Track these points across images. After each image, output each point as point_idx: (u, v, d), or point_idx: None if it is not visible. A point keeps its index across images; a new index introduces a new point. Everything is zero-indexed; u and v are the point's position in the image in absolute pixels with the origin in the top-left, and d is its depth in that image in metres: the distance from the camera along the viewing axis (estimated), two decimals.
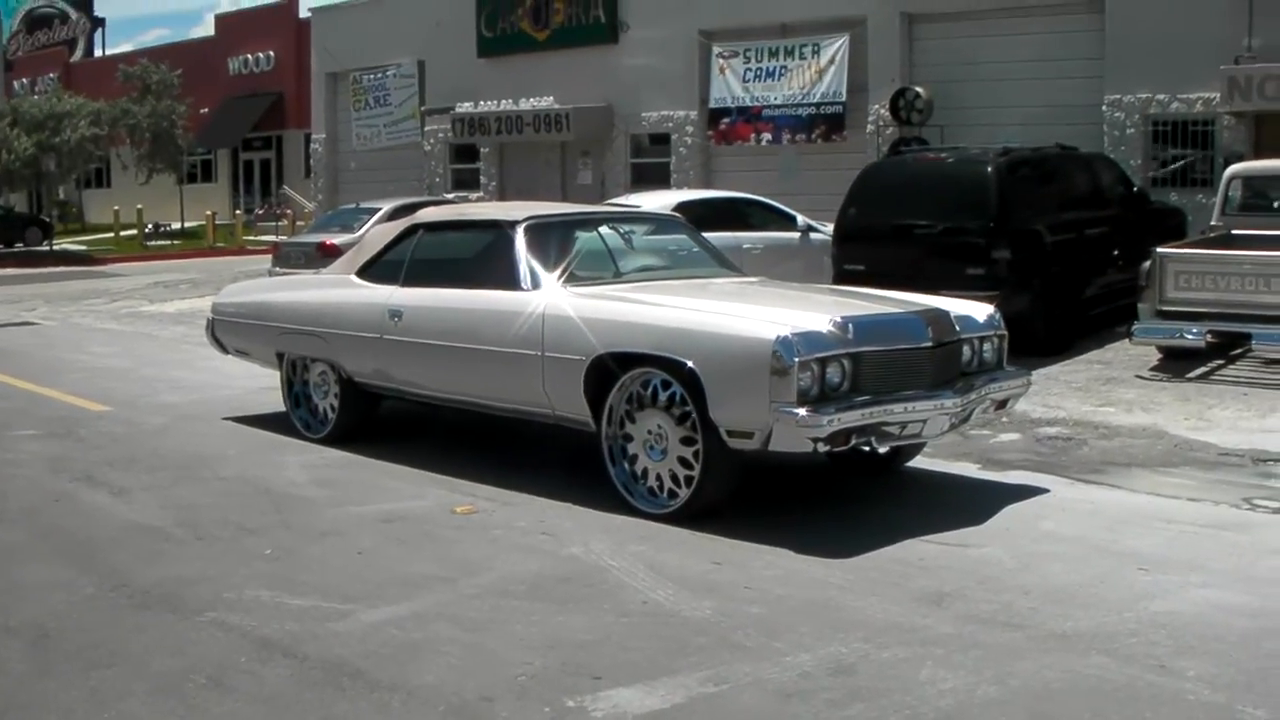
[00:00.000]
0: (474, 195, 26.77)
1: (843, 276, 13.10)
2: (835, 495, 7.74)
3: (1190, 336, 11.49)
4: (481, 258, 8.28)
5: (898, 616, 5.47)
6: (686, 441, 6.88)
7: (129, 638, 5.17)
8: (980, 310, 7.63)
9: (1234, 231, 13.17)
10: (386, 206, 19.69)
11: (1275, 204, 13.79)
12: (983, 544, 6.55)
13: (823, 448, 6.56)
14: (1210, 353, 11.93)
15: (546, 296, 7.58)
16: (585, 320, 7.28)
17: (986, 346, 7.53)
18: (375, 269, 8.87)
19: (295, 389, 9.45)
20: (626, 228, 8.71)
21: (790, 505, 7.41)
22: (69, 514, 7.21)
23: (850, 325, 6.73)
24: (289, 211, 35.51)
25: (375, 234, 9.26)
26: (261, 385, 11.20)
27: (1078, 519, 7.06)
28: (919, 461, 8.24)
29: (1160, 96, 19.16)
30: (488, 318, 7.81)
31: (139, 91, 38.23)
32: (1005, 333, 7.74)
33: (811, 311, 6.95)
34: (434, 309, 8.21)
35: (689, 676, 4.79)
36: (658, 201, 15.08)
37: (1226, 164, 18.50)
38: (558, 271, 7.84)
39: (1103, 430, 9.44)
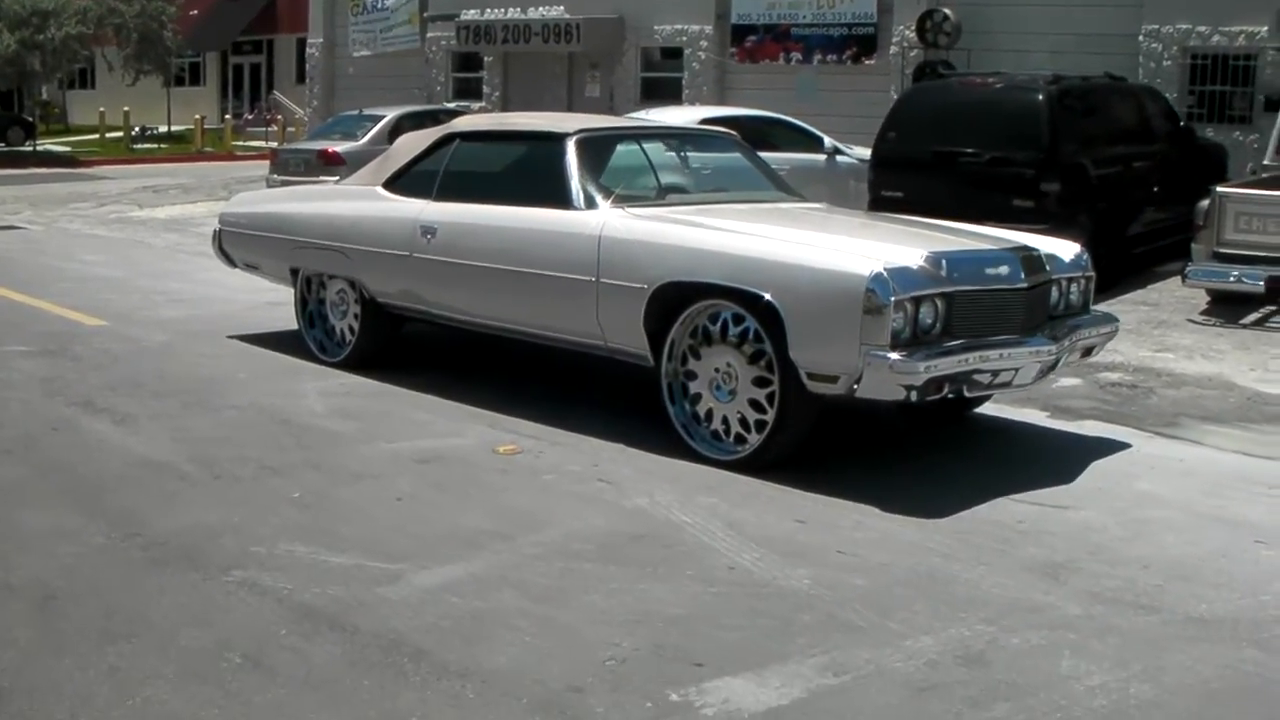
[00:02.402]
0: (476, 106, 25.84)
1: (879, 203, 12.49)
2: (904, 443, 7.11)
3: (1249, 281, 10.90)
4: (526, 172, 7.53)
5: (1015, 592, 4.85)
6: (760, 382, 6.20)
7: (149, 602, 4.48)
8: (1067, 249, 6.95)
9: None
10: (391, 114, 18.90)
11: None
12: (1080, 505, 5.94)
13: (914, 396, 5.89)
14: (1263, 298, 11.37)
15: (603, 217, 6.85)
16: (648, 245, 6.57)
17: (1074, 288, 6.88)
18: (405, 181, 8.10)
19: (310, 308, 8.72)
20: (682, 145, 7.97)
21: (858, 454, 6.77)
22: (70, 446, 6.49)
23: (943, 261, 6.05)
24: (279, 118, 34.48)
25: (404, 143, 8.48)
26: (266, 300, 10.51)
27: (1172, 480, 6.46)
28: (983, 408, 7.61)
29: (1201, 28, 18.34)
30: (534, 238, 7.09)
31: None
32: (1093, 274, 7.09)
33: (900, 245, 6.25)
34: (472, 226, 7.48)
35: (802, 664, 4.14)
36: (680, 118, 14.34)
37: (1267, 102, 17.83)
38: (614, 190, 7.11)
39: (1167, 378, 8.85)
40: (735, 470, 6.23)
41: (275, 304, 10.31)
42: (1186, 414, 7.84)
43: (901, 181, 12.44)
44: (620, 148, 7.55)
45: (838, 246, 6.17)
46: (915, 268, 5.91)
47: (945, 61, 19.88)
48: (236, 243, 9.30)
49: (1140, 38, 18.68)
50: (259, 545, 5.02)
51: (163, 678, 3.90)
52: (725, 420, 6.37)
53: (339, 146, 17.95)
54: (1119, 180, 12.71)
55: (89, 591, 4.56)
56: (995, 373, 6.22)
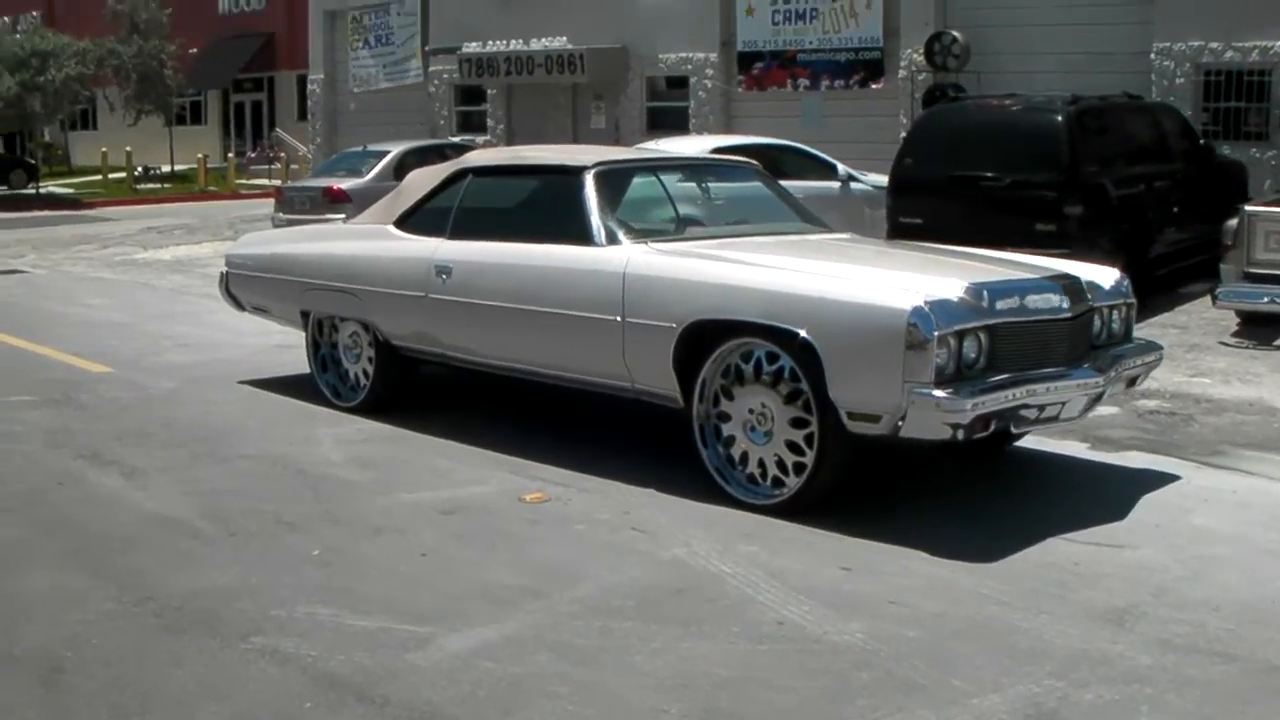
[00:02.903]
0: (480, 139, 25.63)
1: (898, 230, 12.27)
2: (942, 481, 6.83)
3: None
4: (544, 208, 7.29)
5: (1080, 641, 4.57)
6: (797, 423, 5.93)
7: (163, 673, 4.19)
8: (1106, 275, 6.68)
9: None
10: (396, 150, 18.69)
11: None
12: (1136, 544, 5.66)
13: (961, 435, 5.62)
14: None
15: (626, 253, 6.59)
16: (675, 282, 6.30)
17: (1115, 316, 6.61)
18: (417, 219, 7.85)
19: (322, 352, 8.47)
20: (703, 176, 7.72)
21: (895, 493, 6.49)
22: (76, 501, 6.21)
23: (984, 292, 5.78)
24: (282, 155, 34.34)
25: (415, 179, 8.23)
26: (275, 343, 10.27)
27: (1228, 513, 6.19)
28: (1021, 441, 7.33)
29: (1214, 44, 18.09)
30: (555, 276, 6.83)
31: (126, 30, 36.88)
32: (1134, 301, 6.83)
33: (939, 276, 5.98)
34: (489, 265, 7.22)
35: None
36: (691, 148, 14.11)
37: None
38: (636, 225, 6.87)
39: (1206, 404, 8.59)
40: (772, 515, 5.96)
41: (285, 347, 10.06)
42: (1230, 442, 7.58)
43: (920, 207, 12.22)
44: (640, 180, 7.30)
45: (875, 279, 5.91)
46: (956, 300, 5.65)
47: (955, 85, 19.68)
48: (244, 285, 9.04)
49: (1152, 55, 18.44)
50: (279, 608, 4.74)
51: None
52: (762, 463, 6.09)
53: (344, 184, 17.73)
54: (1140, 201, 12.47)
55: (99, 662, 4.27)
56: (1042, 407, 5.95)
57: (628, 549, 5.51)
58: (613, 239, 6.73)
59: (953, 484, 6.75)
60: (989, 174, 11.97)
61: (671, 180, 7.47)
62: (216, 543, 5.56)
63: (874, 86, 21.59)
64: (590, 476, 6.62)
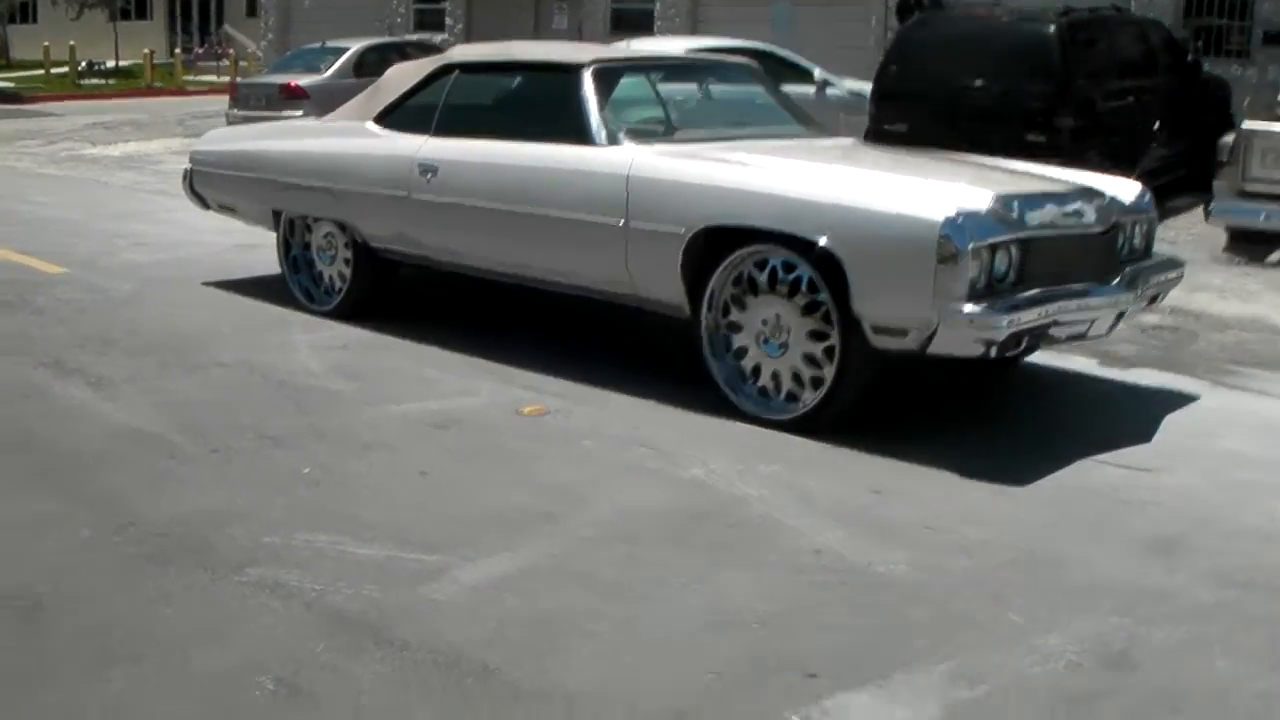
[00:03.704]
0: (438, 38, 24.87)
1: (881, 137, 11.88)
2: (956, 397, 6.51)
3: (1277, 220, 10.42)
4: (538, 106, 6.83)
5: (1135, 575, 4.29)
6: (815, 336, 5.58)
7: (153, 612, 3.78)
8: (1128, 188, 6.33)
9: None
10: (356, 46, 18.07)
11: None
12: (1170, 468, 5.39)
13: (994, 352, 5.29)
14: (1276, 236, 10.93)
15: (630, 154, 6.16)
16: (685, 185, 5.89)
17: (1137, 231, 6.29)
18: (398, 115, 7.37)
19: (294, 253, 8.00)
20: (703, 77, 7.28)
21: (911, 410, 6.17)
22: (42, 415, 5.73)
23: (1015, 204, 5.42)
24: (231, 52, 33.33)
25: (395, 75, 7.72)
26: (237, 241, 9.82)
27: (1254, 436, 5.95)
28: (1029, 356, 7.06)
29: None
30: (552, 177, 6.39)
31: None
32: (1155, 215, 6.51)
33: (966, 184, 5.60)
34: (479, 165, 6.77)
35: (929, 673, 3.54)
36: (665, 49, 13.63)
37: (1266, 36, 17.25)
38: (638, 125, 6.44)
39: (1208, 321, 8.36)
40: (787, 430, 5.63)
41: (248, 246, 9.60)
42: (1238, 361, 7.38)
43: (905, 115, 11.88)
44: (640, 79, 6.84)
45: (901, 187, 5.51)
46: (985, 211, 5.28)
47: None
48: (210, 183, 8.53)
49: None
50: (272, 535, 4.34)
51: (182, 715, 3.23)
52: (775, 376, 5.74)
53: (302, 80, 17.09)
54: (1130, 114, 12.18)
55: (80, 599, 3.85)
56: (1072, 324, 5.63)
57: (640, 467, 5.16)
58: (614, 139, 6.29)
59: (969, 400, 6.45)
60: (978, 83, 11.61)
61: (672, 80, 7.05)
62: (197, 460, 5.13)
63: None
64: (587, 387, 6.26)
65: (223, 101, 20.20)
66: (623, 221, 6.04)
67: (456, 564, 4.13)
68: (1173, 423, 6.08)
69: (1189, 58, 14.27)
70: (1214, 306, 8.86)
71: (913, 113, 11.77)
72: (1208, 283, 9.64)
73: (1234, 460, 5.55)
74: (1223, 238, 11.16)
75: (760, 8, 21.83)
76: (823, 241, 5.37)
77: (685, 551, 4.31)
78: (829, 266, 5.41)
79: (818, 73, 15.15)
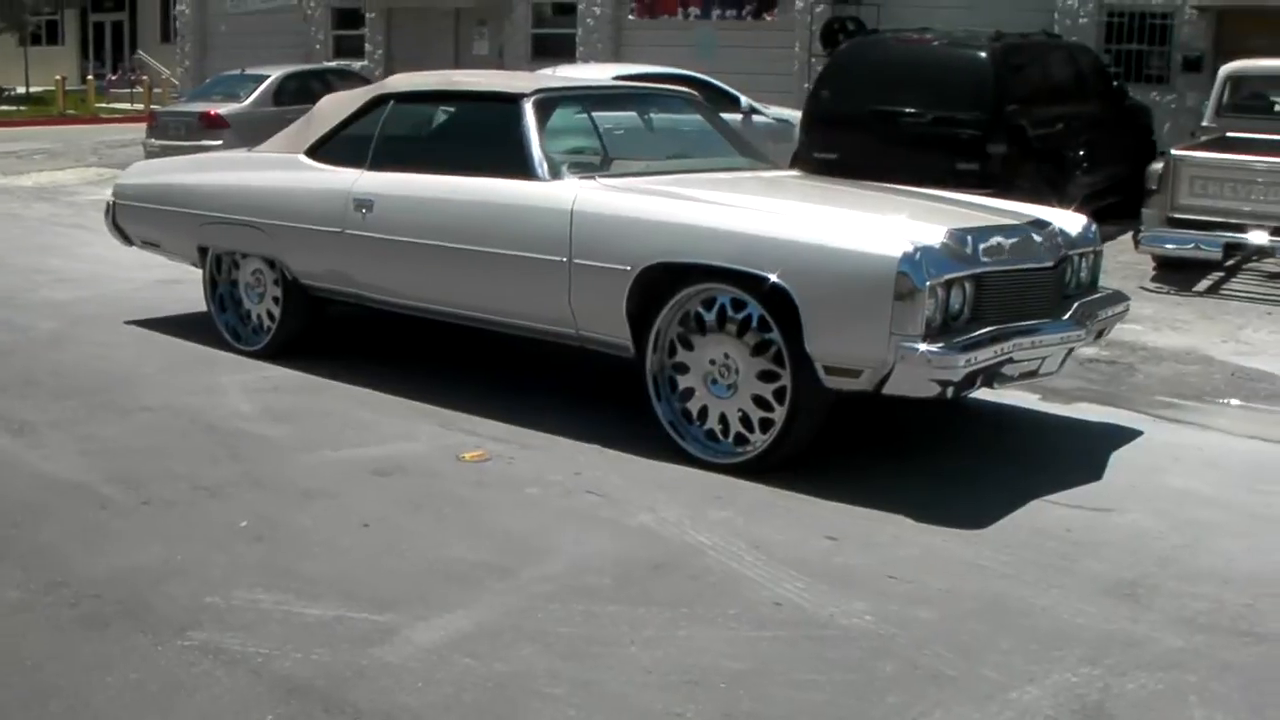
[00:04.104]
0: (358, 64, 24.63)
1: (811, 165, 11.86)
2: (898, 435, 6.41)
3: (1208, 248, 10.50)
4: (477, 138, 6.68)
5: (1101, 621, 4.22)
6: (766, 377, 5.47)
7: (91, 680, 3.56)
8: (1074, 221, 6.31)
9: (1229, 135, 12.03)
10: (276, 74, 17.86)
11: (1277, 106, 12.74)
12: (1122, 508, 5.34)
13: (950, 393, 5.21)
14: (1208, 264, 11.06)
15: (574, 189, 6.03)
16: (632, 220, 5.77)
17: (1083, 264, 6.26)
18: (332, 147, 7.18)
19: (220, 290, 7.77)
20: (645, 106, 7.17)
21: (855, 449, 6.05)
22: None
23: (968, 238, 5.36)
24: (145, 78, 32.78)
25: (328, 105, 7.53)
26: (158, 277, 9.57)
27: (1199, 471, 5.93)
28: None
29: None
30: (492, 212, 6.24)
31: None
32: (1102, 248, 6.50)
33: (917, 219, 5.54)
34: (416, 199, 6.60)
35: None
36: (594, 77, 13.53)
37: (1185, 62, 17.51)
38: (581, 158, 6.32)
39: (1143, 353, 8.39)
40: (735, 475, 5.51)
41: (171, 281, 9.36)
42: (1178, 394, 7.39)
43: (836, 142, 11.88)
44: (583, 110, 6.73)
45: (855, 222, 5.44)
46: (938, 246, 5.21)
47: (854, 18, 19.31)
48: (134, 217, 8.28)
49: None
50: (214, 594, 4.14)
51: None
52: (724, 418, 5.62)
53: (222, 108, 16.82)
54: (1060, 141, 12.26)
55: (12, 665, 3.63)
56: (1025, 362, 5.58)
57: (589, 516, 5.02)
58: (556, 173, 6.17)
59: (911, 438, 6.36)
60: (910, 110, 11.64)
61: (615, 111, 6.94)
62: (129, 513, 4.92)
63: (768, 18, 21.12)
64: (529, 430, 6.10)
65: (138, 129, 19.84)
66: (566, 258, 5.91)
67: (408, 623, 3.97)
68: (1120, 460, 6.05)
69: (1115, 84, 14.43)
70: (1148, 338, 8.90)
71: (844, 139, 11.78)
72: (1139, 313, 9.65)
73: (1185, 499, 5.52)
74: (1150, 266, 11.26)
75: (683, 32, 21.89)
76: (774, 278, 5.27)
77: (643, 606, 4.17)
78: (780, 305, 5.31)
79: (743, 100, 15.13)
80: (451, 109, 7.08)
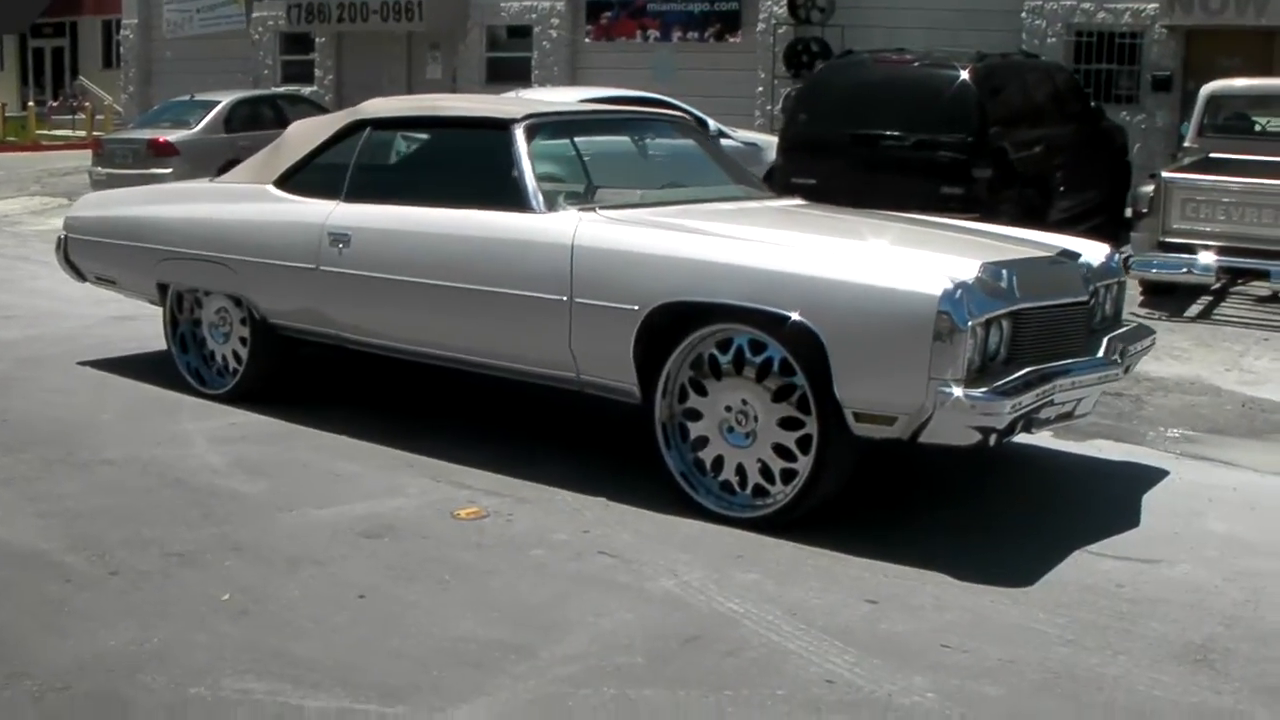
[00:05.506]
0: (307, 90, 24.14)
1: (789, 191, 11.51)
2: (913, 481, 6.01)
3: (1201, 273, 10.22)
4: (464, 167, 6.23)
5: (1179, 693, 3.85)
6: (788, 424, 5.05)
7: None
8: (1097, 251, 5.95)
9: (1213, 156, 11.79)
10: (226, 100, 17.39)
11: (1259, 126, 12.53)
12: (1170, 558, 4.99)
13: (993, 440, 4.82)
14: (1197, 289, 10.80)
15: (573, 222, 5.60)
16: (639, 256, 5.34)
17: (1109, 297, 5.90)
18: (303, 178, 6.70)
19: (182, 329, 7.28)
20: (640, 133, 6.76)
21: (877, 500, 5.63)
22: None
23: (1003, 273, 4.98)
24: (87, 105, 32.07)
25: (298, 132, 7.06)
26: (112, 313, 9.09)
27: (1239, 515, 5.58)
28: None
29: (1086, 5, 17.76)
30: (483, 248, 5.80)
31: None
32: (1125, 279, 6.15)
33: (949, 254, 5.16)
34: (398, 234, 6.15)
35: None
36: (561, 101, 13.14)
37: (1155, 81, 17.34)
38: (579, 188, 5.90)
39: (1147, 384, 8.08)
40: (753, 530, 5.09)
41: (125, 318, 8.88)
42: (1194, 428, 7.08)
43: (814, 167, 11.50)
44: (577, 137, 6.30)
45: (885, 257, 5.05)
46: (973, 282, 4.82)
47: (818, 39, 19.02)
48: (88, 253, 7.77)
49: (1023, 14, 18.05)
50: (198, 683, 3.67)
51: None
52: (741, 469, 5.20)
53: (171, 135, 16.30)
54: (1042, 163, 11.98)
55: None
56: (1063, 404, 5.20)
57: (605, 581, 4.58)
58: (553, 204, 5.74)
59: (928, 484, 5.98)
60: (891, 133, 11.31)
61: (610, 137, 6.54)
62: (95, 586, 4.42)
63: (730, 40, 20.81)
64: (524, 482, 5.66)
65: (81, 157, 19.30)
66: (566, 297, 5.48)
67: (423, 717, 3.51)
68: (1154, 503, 5.70)
69: (1091, 104, 14.20)
70: (1151, 367, 8.56)
71: (823, 164, 11.42)
72: None
73: (1232, 546, 5.17)
74: (1136, 290, 10.98)
75: (641, 55, 21.55)
76: (796, 316, 4.86)
77: (683, 689, 3.74)
78: (805, 347, 4.90)
79: (712, 124, 14.79)
80: (434, 136, 6.62)
